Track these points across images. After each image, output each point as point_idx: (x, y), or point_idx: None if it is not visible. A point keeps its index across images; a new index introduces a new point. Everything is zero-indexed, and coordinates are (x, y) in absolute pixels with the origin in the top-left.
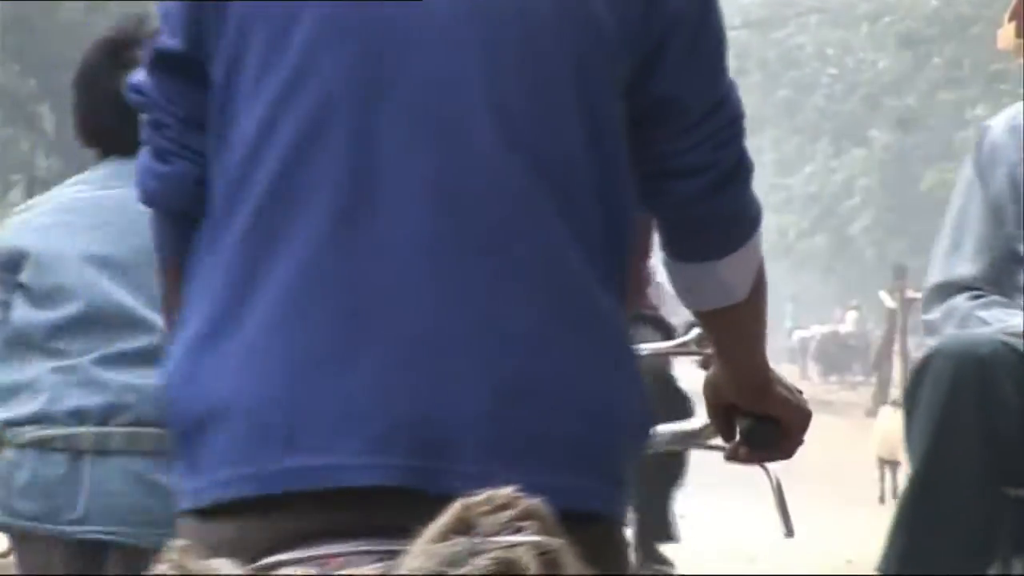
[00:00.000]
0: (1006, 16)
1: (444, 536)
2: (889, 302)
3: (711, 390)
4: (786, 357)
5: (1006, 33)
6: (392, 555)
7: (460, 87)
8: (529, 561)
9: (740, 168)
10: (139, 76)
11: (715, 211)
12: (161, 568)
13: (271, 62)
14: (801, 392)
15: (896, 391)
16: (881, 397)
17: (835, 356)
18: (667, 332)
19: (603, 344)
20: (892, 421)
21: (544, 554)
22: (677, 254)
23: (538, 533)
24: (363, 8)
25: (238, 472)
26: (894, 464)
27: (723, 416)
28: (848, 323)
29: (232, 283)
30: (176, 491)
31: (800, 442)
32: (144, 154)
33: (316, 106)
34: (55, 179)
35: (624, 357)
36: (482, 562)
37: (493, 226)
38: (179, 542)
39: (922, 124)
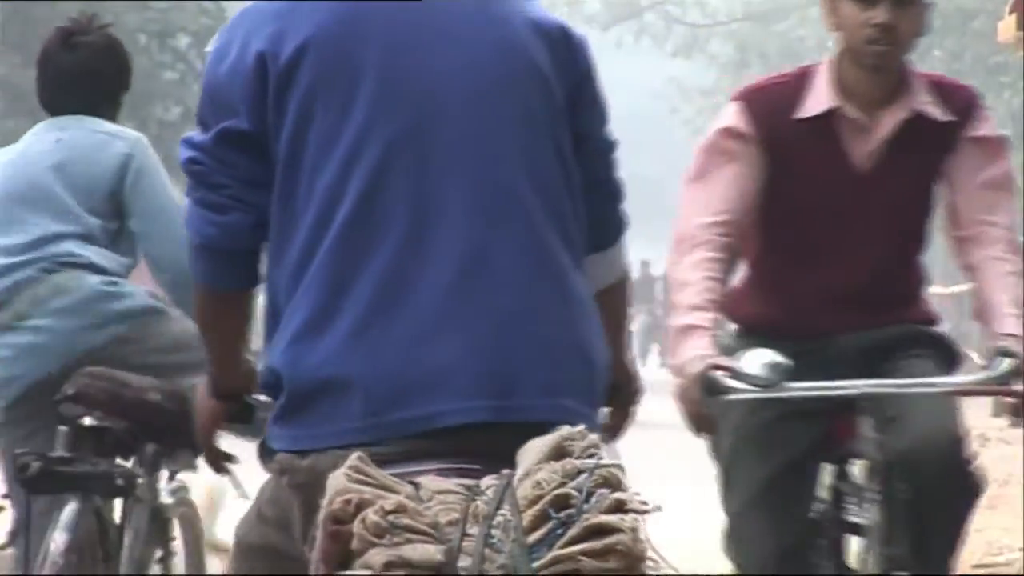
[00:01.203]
0: (1007, 9)
1: (550, 458)
2: None
3: None
4: None
5: (1007, 26)
6: (467, 472)
7: (485, 141)
8: (620, 477)
9: (620, 183)
10: (191, 152)
11: (609, 214)
12: (344, 469)
13: (336, 131)
14: (639, 384)
15: None
16: None
17: None
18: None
19: (588, 316)
20: None
21: (621, 475)
22: (590, 247)
23: (603, 458)
24: (406, 85)
25: (354, 425)
26: None
27: None
28: None
29: (326, 292)
30: (275, 439)
31: (632, 406)
32: (196, 207)
33: (379, 162)
34: None
35: (597, 322)
36: (592, 478)
37: (516, 238)
38: (355, 454)
39: None
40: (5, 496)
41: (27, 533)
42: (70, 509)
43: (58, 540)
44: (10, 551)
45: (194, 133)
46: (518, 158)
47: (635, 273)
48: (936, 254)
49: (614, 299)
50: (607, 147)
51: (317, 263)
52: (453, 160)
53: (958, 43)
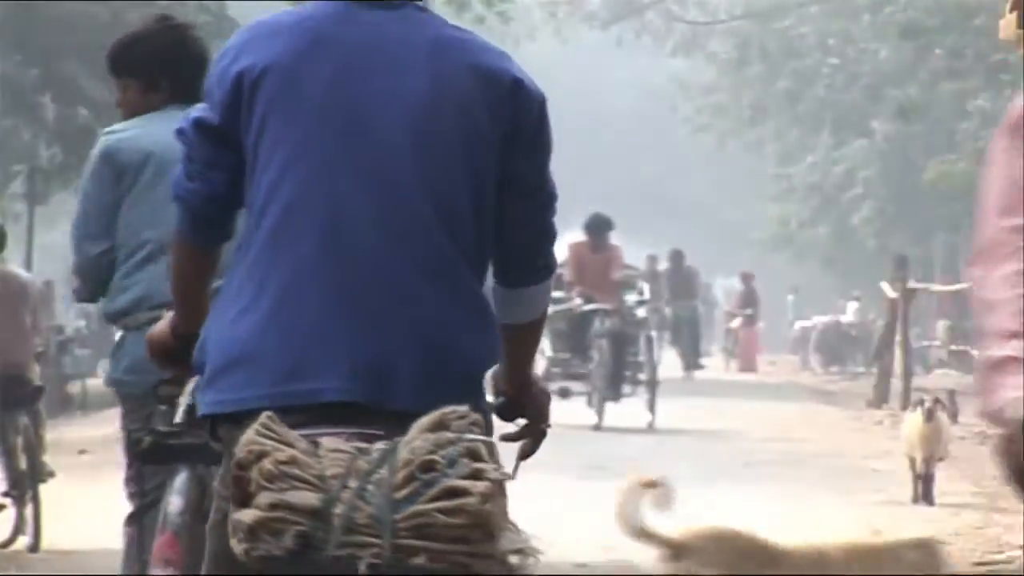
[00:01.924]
0: (1007, 6)
1: (429, 429)
2: (891, 292)
3: (494, 381)
4: (787, 348)
5: (1007, 23)
6: (370, 437)
7: (397, 163)
8: (483, 451)
9: (551, 229)
10: (183, 124)
11: (532, 254)
12: (255, 425)
13: (281, 140)
14: (550, 397)
15: (897, 382)
16: (882, 388)
17: (836, 347)
18: None
19: (480, 320)
20: (915, 422)
21: (490, 448)
22: (505, 283)
23: (483, 435)
24: (342, 109)
25: (260, 392)
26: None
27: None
28: (849, 313)
29: (254, 281)
30: (201, 406)
31: (543, 423)
32: (180, 172)
33: (309, 172)
34: (57, 169)
35: (491, 326)
36: (459, 448)
37: (416, 247)
38: (266, 413)
39: (923, 115)
40: (6, 494)
41: (141, 502)
42: (181, 477)
43: (175, 503)
44: (11, 549)
45: (200, 106)
46: (427, 182)
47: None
48: (936, 252)
49: (528, 336)
50: (537, 191)
51: (254, 249)
52: (370, 178)
53: (959, 40)
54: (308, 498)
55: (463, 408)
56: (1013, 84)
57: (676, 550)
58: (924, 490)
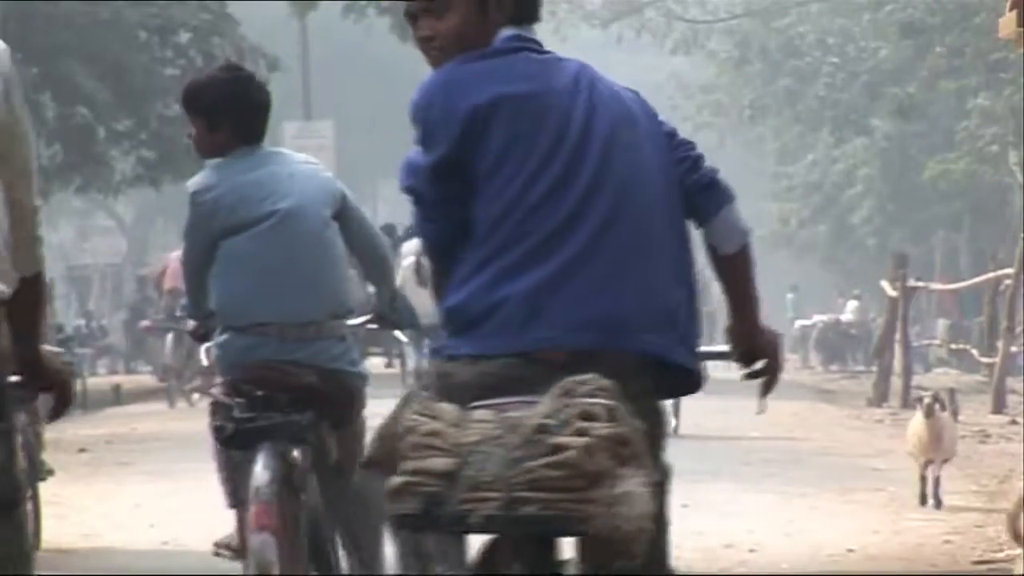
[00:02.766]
0: (1007, 5)
1: (558, 395)
2: (890, 291)
3: (728, 334)
4: (787, 346)
5: (1007, 22)
6: (527, 404)
7: (617, 167)
8: (600, 412)
9: (705, 161)
10: (410, 181)
11: (707, 181)
12: (414, 404)
13: (525, 157)
14: (778, 339)
15: (897, 381)
16: (882, 386)
17: (836, 345)
18: None
19: (687, 292)
20: (919, 423)
21: (610, 410)
22: (703, 219)
23: (607, 399)
24: (567, 128)
25: (500, 339)
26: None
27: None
28: (849, 312)
29: (496, 263)
30: (444, 348)
31: (776, 361)
32: (419, 214)
33: (554, 180)
34: (57, 168)
35: (693, 301)
36: (573, 411)
37: (645, 232)
38: (424, 394)
39: (923, 113)
40: None
41: (233, 478)
42: (263, 453)
43: (261, 476)
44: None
45: (414, 156)
46: (641, 178)
47: None
48: (936, 251)
49: (739, 272)
50: (699, 161)
51: (493, 243)
52: (602, 180)
53: (959, 39)
54: (441, 463)
55: (591, 376)
56: (1012, 82)
57: None
58: (932, 491)
